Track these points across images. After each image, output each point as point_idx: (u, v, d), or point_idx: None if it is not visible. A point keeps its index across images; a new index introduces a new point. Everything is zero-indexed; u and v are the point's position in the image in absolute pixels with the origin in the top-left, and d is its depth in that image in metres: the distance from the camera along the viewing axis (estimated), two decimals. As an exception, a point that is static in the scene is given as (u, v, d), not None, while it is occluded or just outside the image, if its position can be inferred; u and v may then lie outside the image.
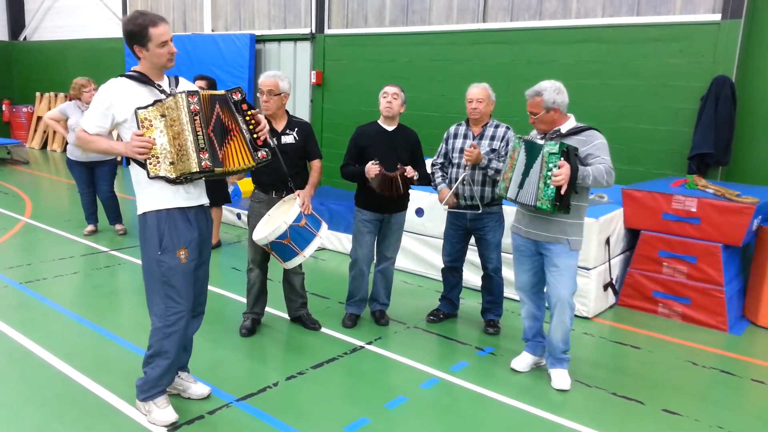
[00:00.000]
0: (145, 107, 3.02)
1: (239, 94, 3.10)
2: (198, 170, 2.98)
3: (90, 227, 7.27)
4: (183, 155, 2.99)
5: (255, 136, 3.12)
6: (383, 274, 4.82)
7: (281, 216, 4.05)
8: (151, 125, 3.00)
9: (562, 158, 3.45)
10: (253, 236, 4.10)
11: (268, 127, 3.20)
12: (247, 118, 3.11)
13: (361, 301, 4.84)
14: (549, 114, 3.74)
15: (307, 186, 4.32)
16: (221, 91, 3.10)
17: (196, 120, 2.97)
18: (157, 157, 3.02)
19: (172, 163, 3.02)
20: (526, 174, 3.67)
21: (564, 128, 3.78)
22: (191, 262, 3.23)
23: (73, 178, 7.24)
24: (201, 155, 2.97)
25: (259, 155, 3.10)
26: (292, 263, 4.07)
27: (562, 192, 3.47)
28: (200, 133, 2.97)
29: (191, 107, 2.97)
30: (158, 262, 3.15)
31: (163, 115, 3.00)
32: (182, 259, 3.18)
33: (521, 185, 3.70)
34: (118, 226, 7.31)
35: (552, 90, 3.71)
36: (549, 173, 3.49)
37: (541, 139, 3.77)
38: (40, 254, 6.40)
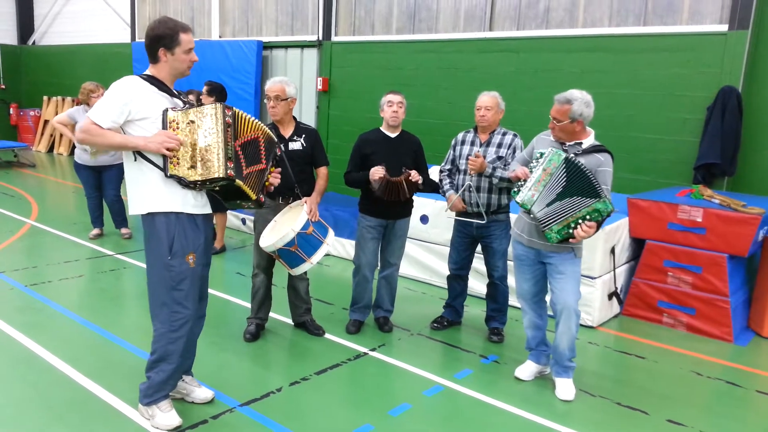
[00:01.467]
0: (175, 110, 3.07)
1: (281, 151, 3.56)
2: (222, 176, 3.04)
3: (96, 231, 7.30)
4: (207, 161, 3.05)
5: (267, 183, 3.39)
6: (387, 281, 4.82)
7: (288, 223, 4.05)
8: (178, 128, 3.06)
9: (599, 220, 3.54)
10: (261, 243, 4.10)
11: (275, 185, 3.49)
12: (272, 169, 3.42)
13: (364, 307, 4.84)
14: (572, 125, 3.70)
15: (313, 193, 4.33)
16: (274, 136, 3.45)
17: (228, 131, 3.08)
18: (178, 159, 3.06)
19: (192, 167, 3.06)
20: (561, 198, 3.60)
21: (586, 143, 3.77)
22: (199, 267, 3.25)
23: (79, 182, 7.28)
24: (228, 164, 3.05)
25: (260, 197, 3.34)
26: (299, 270, 4.07)
27: (571, 241, 3.60)
28: (230, 144, 3.08)
29: (226, 119, 3.07)
30: (167, 267, 3.16)
31: (192, 121, 3.06)
32: (191, 263, 3.19)
33: (550, 205, 3.63)
34: (123, 230, 7.33)
35: (582, 102, 3.65)
36: (580, 221, 3.53)
37: (563, 148, 3.76)
38: (46, 257, 6.42)
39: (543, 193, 3.65)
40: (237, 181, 3.10)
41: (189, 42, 3.13)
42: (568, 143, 3.78)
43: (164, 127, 3.06)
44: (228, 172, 3.04)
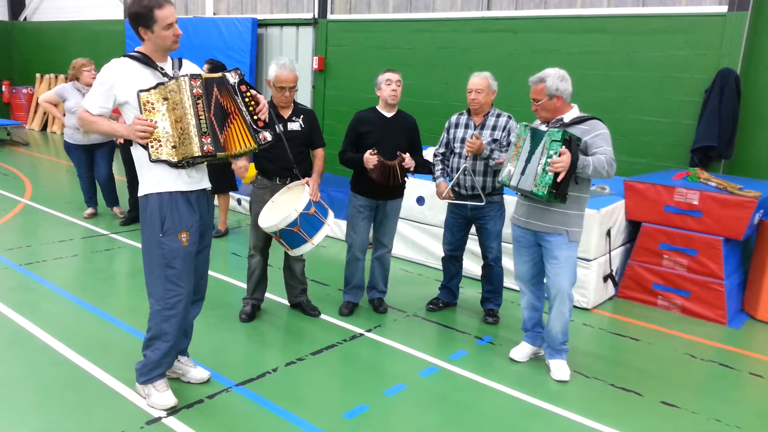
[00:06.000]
0: (147, 90, 2.99)
1: (237, 76, 3.03)
2: (200, 154, 2.98)
3: (90, 210, 7.26)
4: (185, 139, 2.98)
5: (255, 117, 3.07)
6: (380, 262, 4.81)
7: (290, 203, 4.03)
8: (153, 108, 2.98)
9: (563, 146, 3.43)
10: (261, 224, 4.07)
11: (267, 107, 3.16)
12: (247, 99, 3.05)
13: (357, 288, 4.83)
14: (551, 101, 3.71)
15: (314, 174, 4.31)
16: (218, 74, 3.05)
17: (198, 104, 2.97)
18: (159, 141, 3.01)
19: (174, 147, 3.01)
20: (528, 161, 3.64)
21: (567, 117, 3.76)
22: (192, 246, 3.23)
23: (71, 161, 7.22)
24: (203, 139, 2.97)
25: (260, 137, 3.05)
26: (300, 251, 4.05)
27: (559, 179, 3.44)
28: (203, 116, 2.97)
29: (194, 91, 2.97)
30: (159, 244, 3.14)
31: (165, 99, 2.98)
32: (183, 242, 3.17)
33: (523, 172, 3.67)
34: (115, 209, 7.29)
35: (556, 77, 3.68)
36: (548, 160, 3.46)
37: (545, 127, 3.75)
38: (40, 236, 6.39)
39: (517, 165, 3.73)
40: (219, 154, 3.00)
41: (166, 17, 3.01)
42: (551, 121, 3.80)
43: (140, 109, 3.00)
44: (205, 148, 2.97)
